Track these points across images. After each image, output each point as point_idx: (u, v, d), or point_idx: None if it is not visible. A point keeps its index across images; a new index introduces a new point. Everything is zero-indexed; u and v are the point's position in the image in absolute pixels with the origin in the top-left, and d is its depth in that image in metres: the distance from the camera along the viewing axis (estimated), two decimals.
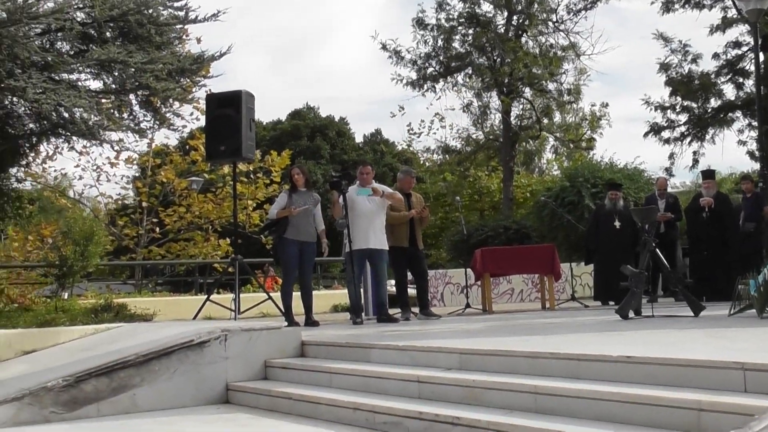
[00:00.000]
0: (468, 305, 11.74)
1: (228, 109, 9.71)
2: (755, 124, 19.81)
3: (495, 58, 23.78)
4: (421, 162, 31.94)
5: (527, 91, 24.77)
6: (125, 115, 10.60)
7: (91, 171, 23.91)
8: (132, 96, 10.49)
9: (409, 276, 10.12)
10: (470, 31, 23.74)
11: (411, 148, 32.53)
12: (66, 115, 9.48)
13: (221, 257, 23.14)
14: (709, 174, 12.44)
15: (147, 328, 7.72)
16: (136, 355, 5.75)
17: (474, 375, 4.50)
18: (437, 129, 31.90)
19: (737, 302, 7.14)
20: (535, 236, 17.77)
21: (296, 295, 9.17)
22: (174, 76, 10.24)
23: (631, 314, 7.45)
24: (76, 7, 9.52)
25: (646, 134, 22.27)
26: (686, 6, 21.04)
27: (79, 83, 9.91)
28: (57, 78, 9.38)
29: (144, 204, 24.06)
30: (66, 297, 10.55)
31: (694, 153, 22.29)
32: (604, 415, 3.65)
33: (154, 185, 24.23)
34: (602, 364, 4.07)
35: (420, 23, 23.98)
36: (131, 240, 23.91)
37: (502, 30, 23.80)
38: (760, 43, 15.22)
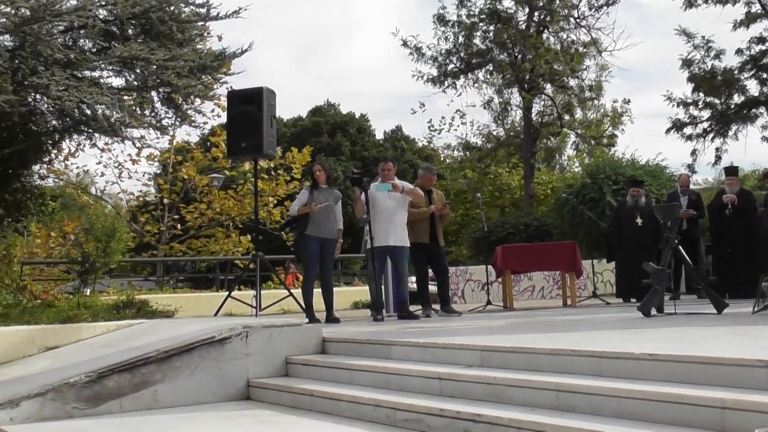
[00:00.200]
0: (489, 302, 11.72)
1: (249, 106, 9.73)
2: None
3: (516, 54, 23.65)
4: (442, 159, 31.88)
5: (548, 88, 24.63)
6: (147, 112, 10.69)
7: (113, 168, 24.18)
8: (153, 93, 10.57)
9: (430, 273, 10.11)
10: (491, 28, 23.62)
11: (431, 145, 32.51)
12: (88, 112, 9.55)
13: (242, 254, 23.25)
14: (732, 171, 12.29)
15: (168, 324, 7.76)
16: (158, 351, 5.76)
17: (495, 372, 4.47)
18: (458, 126, 31.73)
19: (761, 299, 7.08)
20: (556, 233, 17.67)
21: (317, 292, 9.17)
22: (195, 73, 10.30)
23: (654, 311, 7.39)
24: (98, 4, 9.59)
25: (668, 130, 22.05)
26: (709, 1, 20.80)
27: (102, 80, 10.00)
28: (79, 75, 9.46)
29: (165, 201, 24.22)
30: (88, 293, 10.61)
31: (717, 149, 22.04)
32: (627, 413, 3.62)
33: (176, 182, 24.38)
34: (625, 361, 4.03)
35: (441, 20, 23.90)
36: (152, 237, 24.07)
37: (524, 26, 23.66)
38: None
